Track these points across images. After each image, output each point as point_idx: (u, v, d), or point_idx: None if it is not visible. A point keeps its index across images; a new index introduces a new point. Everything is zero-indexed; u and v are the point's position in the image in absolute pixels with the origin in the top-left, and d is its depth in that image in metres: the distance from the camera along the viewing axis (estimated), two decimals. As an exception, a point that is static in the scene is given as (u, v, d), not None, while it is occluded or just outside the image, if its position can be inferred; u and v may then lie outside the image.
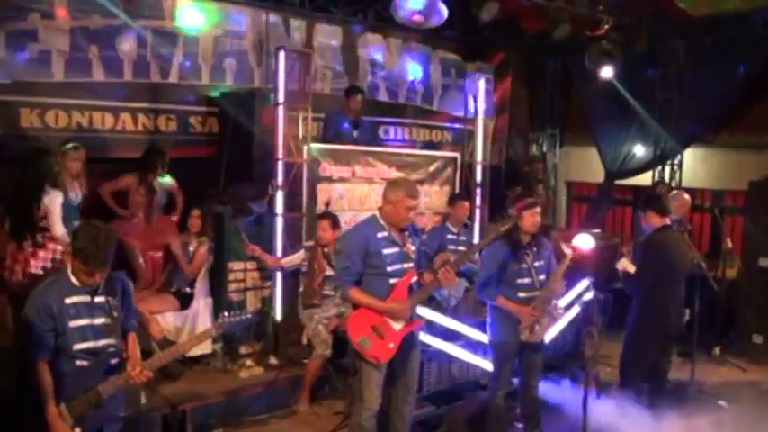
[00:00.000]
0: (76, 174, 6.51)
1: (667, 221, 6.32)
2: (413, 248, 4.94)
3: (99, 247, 3.57)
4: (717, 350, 8.52)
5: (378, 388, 4.89)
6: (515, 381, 5.93)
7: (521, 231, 5.49)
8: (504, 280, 5.52)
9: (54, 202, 6.00)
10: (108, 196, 7.13)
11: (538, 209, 5.53)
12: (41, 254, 5.94)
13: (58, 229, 5.97)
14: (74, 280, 3.67)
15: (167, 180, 7.49)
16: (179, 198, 7.59)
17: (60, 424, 3.59)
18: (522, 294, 5.51)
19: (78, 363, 3.64)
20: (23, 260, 5.91)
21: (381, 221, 4.88)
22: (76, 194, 6.54)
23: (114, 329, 3.74)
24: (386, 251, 4.81)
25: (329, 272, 6.52)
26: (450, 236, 7.95)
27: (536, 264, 5.59)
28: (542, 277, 5.60)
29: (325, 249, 6.62)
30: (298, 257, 6.87)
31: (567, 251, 5.66)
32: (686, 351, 7.53)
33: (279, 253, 7.22)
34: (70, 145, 6.53)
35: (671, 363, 6.67)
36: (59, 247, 5.95)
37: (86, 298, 3.68)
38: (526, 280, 5.55)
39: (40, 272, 5.84)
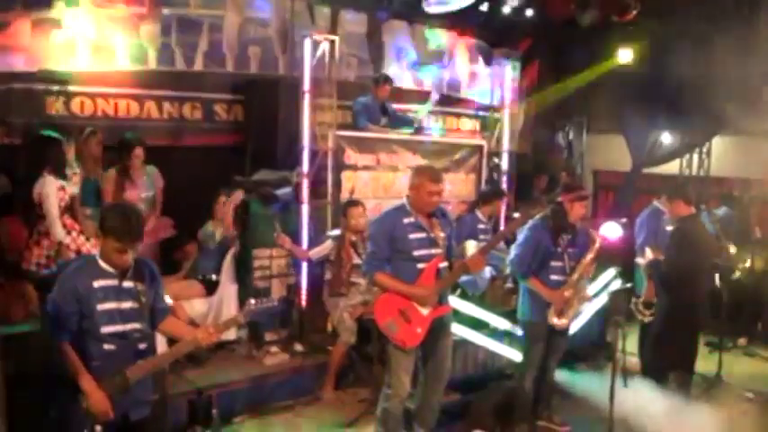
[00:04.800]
0: (98, 158, 6.63)
1: (693, 210, 6.28)
2: (441, 235, 4.94)
3: (131, 223, 3.62)
4: (743, 341, 8.45)
5: (406, 374, 4.90)
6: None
7: (565, 219, 5.55)
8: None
9: (48, 189, 5.65)
10: None
11: (586, 202, 5.62)
12: (45, 242, 5.76)
13: (56, 227, 5.66)
14: (102, 264, 3.68)
15: (152, 170, 6.96)
16: (159, 191, 6.96)
17: (96, 390, 3.59)
18: (553, 277, 5.59)
19: (106, 346, 3.64)
20: (32, 248, 5.79)
21: (409, 208, 4.92)
22: (98, 179, 6.64)
23: (142, 314, 3.75)
24: (412, 236, 4.84)
25: (356, 260, 6.54)
26: (481, 225, 7.88)
27: (570, 249, 5.64)
28: (573, 263, 5.65)
29: (353, 238, 6.64)
30: (325, 248, 6.85)
31: (597, 237, 5.73)
32: (713, 341, 7.50)
33: (305, 241, 7.24)
34: (89, 129, 6.68)
35: (698, 352, 6.62)
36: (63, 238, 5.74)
37: (114, 282, 3.68)
38: (559, 263, 5.62)
39: (43, 260, 5.73)
